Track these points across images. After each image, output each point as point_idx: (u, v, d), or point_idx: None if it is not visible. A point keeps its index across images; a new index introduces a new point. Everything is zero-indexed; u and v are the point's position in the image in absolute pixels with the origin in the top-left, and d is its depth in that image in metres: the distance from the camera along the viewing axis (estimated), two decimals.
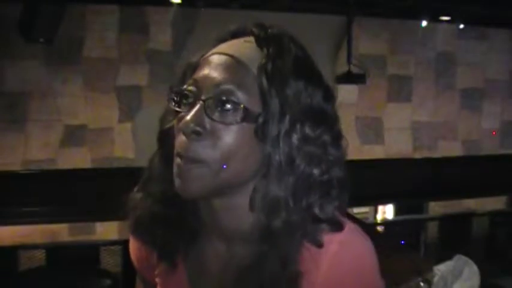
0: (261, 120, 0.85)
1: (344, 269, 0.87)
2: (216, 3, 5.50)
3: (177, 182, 0.86)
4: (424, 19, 6.10)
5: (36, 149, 5.36)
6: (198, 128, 0.83)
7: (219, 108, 0.84)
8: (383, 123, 6.38)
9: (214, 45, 0.93)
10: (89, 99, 5.43)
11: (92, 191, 5.14)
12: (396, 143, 6.45)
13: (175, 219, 0.94)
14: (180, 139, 0.85)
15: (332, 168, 0.89)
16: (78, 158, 5.42)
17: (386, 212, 6.68)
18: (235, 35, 0.94)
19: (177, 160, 0.85)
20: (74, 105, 5.39)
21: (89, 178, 5.32)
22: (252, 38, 0.91)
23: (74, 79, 5.38)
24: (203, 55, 0.93)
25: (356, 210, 5.99)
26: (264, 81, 0.85)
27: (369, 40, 6.20)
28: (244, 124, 0.84)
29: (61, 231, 5.29)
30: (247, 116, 0.84)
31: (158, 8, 5.62)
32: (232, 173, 0.85)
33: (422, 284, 3.20)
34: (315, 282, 0.87)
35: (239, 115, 0.84)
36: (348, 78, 5.47)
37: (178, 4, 5.50)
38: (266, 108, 0.85)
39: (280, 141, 0.85)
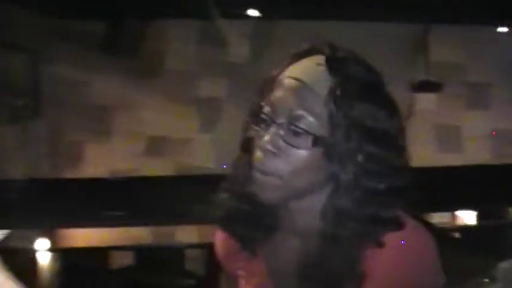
0: (329, 143, 0.94)
1: (404, 265, 0.94)
2: (292, 15, 5.60)
3: (255, 189, 0.99)
4: (502, 25, 5.98)
5: (122, 159, 5.59)
6: (273, 149, 0.95)
7: (292, 132, 0.95)
8: (462, 131, 6.27)
9: (289, 63, 1.01)
10: (170, 111, 5.62)
11: (174, 197, 5.30)
12: (475, 151, 6.32)
13: (256, 216, 1.05)
14: (258, 154, 0.97)
15: (396, 181, 0.97)
16: (161, 167, 5.61)
17: (466, 218, 6.55)
18: (308, 53, 1.01)
19: (255, 171, 0.98)
20: (156, 116, 5.59)
21: (171, 185, 5.49)
22: (323, 60, 0.97)
23: (156, 92, 5.58)
24: (278, 73, 1.01)
25: (435, 217, 5.92)
26: (333, 107, 0.93)
27: (446, 47, 6.12)
28: (314, 148, 0.95)
29: (146, 234, 5.49)
30: (317, 141, 0.94)
31: (237, 20, 5.76)
32: (302, 186, 0.98)
33: (486, 280, 3.24)
34: (376, 279, 0.94)
35: (310, 140, 0.94)
36: (425, 86, 5.43)
37: (255, 17, 5.64)
38: (334, 131, 0.94)
39: (347, 161, 0.94)
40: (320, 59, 0.98)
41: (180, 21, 5.66)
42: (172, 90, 5.60)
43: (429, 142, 5.96)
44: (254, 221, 1.06)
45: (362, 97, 0.94)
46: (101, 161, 5.60)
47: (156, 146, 5.62)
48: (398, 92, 1.02)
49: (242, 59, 5.73)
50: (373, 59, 1.00)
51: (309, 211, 1.01)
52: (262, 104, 0.99)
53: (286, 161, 0.95)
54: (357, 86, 0.95)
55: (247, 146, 1.03)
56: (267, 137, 0.96)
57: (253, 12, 5.63)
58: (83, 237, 6.02)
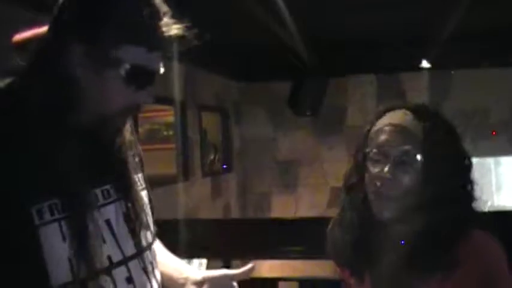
0: (426, 169, 1.24)
1: (486, 261, 1.18)
2: (466, 63, 5.59)
3: (374, 210, 1.27)
4: None
5: (306, 209, 5.90)
6: (390, 177, 1.23)
7: (403, 163, 1.23)
8: None
9: (377, 117, 1.31)
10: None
11: None
12: None
13: (364, 245, 1.30)
14: (378, 183, 1.24)
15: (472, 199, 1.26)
16: None
17: None
18: (391, 109, 1.30)
19: (374, 197, 1.27)
20: (339, 169, 5.79)
21: None
22: (407, 111, 1.27)
23: (338, 146, 5.85)
24: (371, 128, 1.31)
25: None
26: (427, 142, 1.23)
27: None
28: (416, 173, 1.23)
29: (310, 267, 5.66)
30: (417, 167, 1.24)
31: (413, 73, 5.89)
32: (409, 205, 1.23)
33: None
34: (467, 269, 1.16)
35: (414, 167, 1.23)
36: None
37: (429, 68, 5.72)
38: (428, 159, 1.24)
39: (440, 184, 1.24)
40: (404, 111, 1.29)
41: (359, 77, 5.91)
42: (355, 144, 5.81)
43: None
44: (362, 250, 1.31)
45: (446, 133, 1.27)
46: (286, 212, 5.94)
47: (339, 197, 5.84)
48: None
49: None
50: None
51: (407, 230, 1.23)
52: (368, 150, 1.28)
53: (399, 185, 1.23)
54: (440, 126, 1.26)
55: (353, 188, 1.33)
56: (386, 169, 1.23)
57: (426, 64, 5.71)
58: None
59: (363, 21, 4.23)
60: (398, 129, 1.26)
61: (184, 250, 2.52)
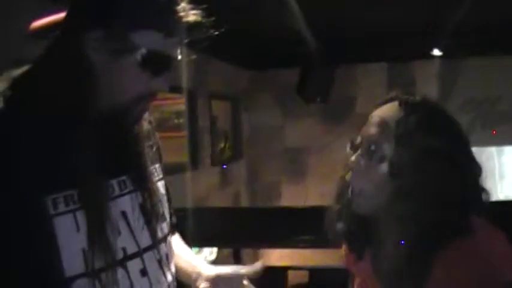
0: (393, 161, 1.20)
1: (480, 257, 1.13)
2: (476, 52, 5.55)
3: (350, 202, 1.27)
4: None
5: (315, 198, 5.89)
6: (357, 167, 1.21)
7: (370, 154, 1.20)
8: None
9: (379, 105, 1.30)
10: None
11: None
12: None
13: (363, 221, 1.29)
14: (349, 173, 1.26)
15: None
16: None
17: None
18: (393, 99, 1.29)
19: (349, 188, 1.27)
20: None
21: None
22: (400, 104, 1.25)
23: (347, 134, 5.78)
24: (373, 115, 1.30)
25: None
26: (398, 135, 1.19)
27: None
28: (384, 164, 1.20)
29: (319, 256, 5.68)
30: (384, 159, 1.21)
31: (423, 62, 5.85)
32: (382, 196, 1.21)
33: None
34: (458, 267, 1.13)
35: (380, 159, 1.20)
36: None
37: (440, 57, 5.68)
38: (398, 151, 1.20)
39: (411, 175, 1.20)
40: (396, 103, 1.29)
41: (369, 65, 5.88)
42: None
43: None
44: (357, 227, 1.33)
45: (420, 128, 1.19)
46: (295, 200, 5.95)
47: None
48: None
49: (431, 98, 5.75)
50: None
51: (395, 218, 1.22)
52: (358, 136, 1.30)
53: (366, 177, 1.20)
54: (417, 120, 1.20)
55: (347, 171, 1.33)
56: (353, 157, 1.23)
57: (437, 52, 5.67)
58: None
59: (373, 9, 4.20)
60: (378, 121, 1.27)
61: (194, 238, 2.54)
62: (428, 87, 5.81)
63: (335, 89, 5.74)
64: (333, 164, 5.72)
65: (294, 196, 5.96)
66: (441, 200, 1.17)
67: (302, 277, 4.96)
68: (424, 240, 1.17)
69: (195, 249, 4.15)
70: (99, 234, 0.96)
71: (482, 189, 1.24)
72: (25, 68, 1.03)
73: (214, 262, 5.23)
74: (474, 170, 1.24)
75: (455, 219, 1.17)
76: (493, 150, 6.11)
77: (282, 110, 6.21)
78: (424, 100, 1.29)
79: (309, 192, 5.95)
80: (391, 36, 5.24)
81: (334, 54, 5.62)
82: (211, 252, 4.89)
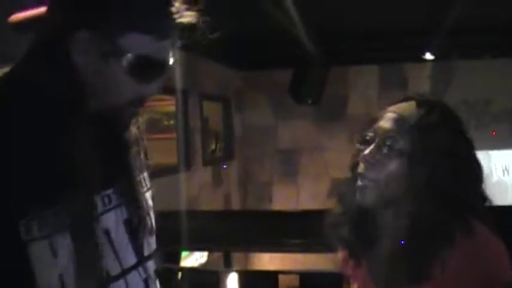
0: (411, 157, 1.20)
1: (479, 260, 1.13)
2: (468, 54, 5.56)
3: (358, 195, 1.23)
4: None
5: (307, 199, 5.90)
6: (371, 161, 1.20)
7: (386, 148, 1.19)
8: None
9: (391, 104, 1.28)
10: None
11: None
12: None
13: (359, 228, 1.29)
14: (361, 165, 1.23)
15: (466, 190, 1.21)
16: None
17: None
18: (406, 100, 1.27)
19: (358, 180, 1.24)
20: (340, 159, 5.79)
21: None
22: (416, 104, 1.24)
23: (339, 135, 5.83)
24: (384, 113, 1.29)
25: None
26: (416, 131, 1.19)
27: None
28: (400, 159, 1.20)
29: (310, 260, 5.69)
30: (401, 155, 1.20)
31: (415, 64, 5.86)
32: (393, 191, 1.21)
33: None
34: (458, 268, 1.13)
35: (396, 154, 1.19)
36: None
37: (433, 59, 5.69)
38: (414, 148, 1.20)
39: (424, 172, 1.18)
40: (412, 102, 1.27)
41: (361, 67, 5.88)
42: (356, 132, 5.79)
43: None
44: (357, 233, 1.31)
45: (440, 126, 1.22)
46: (287, 201, 5.94)
47: (340, 187, 5.83)
48: None
49: None
50: None
51: (399, 217, 1.20)
52: (368, 132, 1.27)
53: (381, 170, 1.18)
54: (437, 118, 1.22)
55: (355, 166, 1.30)
56: (366, 151, 1.19)
57: (429, 55, 5.68)
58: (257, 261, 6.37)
59: (366, 10, 4.20)
60: (393, 116, 1.26)
61: (185, 242, 2.52)
62: (420, 89, 5.81)
63: (327, 90, 5.73)
64: (325, 164, 5.75)
65: (285, 196, 5.95)
66: (451, 198, 1.19)
67: (292, 281, 4.95)
68: (425, 240, 1.17)
69: (186, 253, 4.13)
70: (77, 259, 0.88)
71: (483, 193, 1.26)
72: (6, 69, 0.95)
73: (205, 265, 5.24)
74: (479, 172, 1.26)
75: (459, 219, 1.17)
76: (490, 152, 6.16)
77: (274, 111, 6.20)
78: (440, 101, 1.31)
79: (301, 193, 5.94)
80: (384, 38, 5.25)
81: (327, 55, 5.62)
82: (201, 256, 4.88)
